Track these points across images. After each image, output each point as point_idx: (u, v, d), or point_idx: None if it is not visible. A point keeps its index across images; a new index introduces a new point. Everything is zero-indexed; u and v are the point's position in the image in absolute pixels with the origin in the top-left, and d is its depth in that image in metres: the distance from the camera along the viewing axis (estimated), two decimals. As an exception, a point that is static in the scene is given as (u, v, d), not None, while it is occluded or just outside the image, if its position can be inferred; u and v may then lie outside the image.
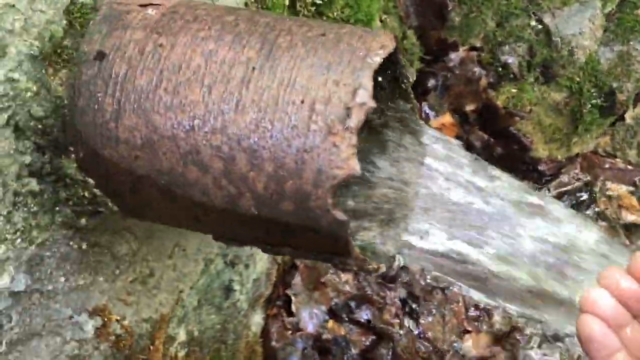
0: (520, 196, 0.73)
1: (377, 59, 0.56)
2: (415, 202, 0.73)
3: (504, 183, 0.74)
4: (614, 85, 1.39)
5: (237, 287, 1.07)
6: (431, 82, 1.41)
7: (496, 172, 0.75)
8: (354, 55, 0.56)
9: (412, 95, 0.73)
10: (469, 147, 1.51)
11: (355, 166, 0.54)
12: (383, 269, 0.65)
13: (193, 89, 0.56)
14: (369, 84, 0.54)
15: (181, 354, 0.96)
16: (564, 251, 0.70)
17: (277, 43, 0.57)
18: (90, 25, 0.59)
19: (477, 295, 0.77)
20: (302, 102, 0.55)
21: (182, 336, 0.96)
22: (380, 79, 0.71)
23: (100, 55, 0.58)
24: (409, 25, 1.37)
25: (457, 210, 0.73)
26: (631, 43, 1.37)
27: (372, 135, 0.76)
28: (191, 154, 0.57)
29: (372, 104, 0.54)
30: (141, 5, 0.60)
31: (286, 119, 0.55)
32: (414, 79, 1.37)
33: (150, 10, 0.60)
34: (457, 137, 1.48)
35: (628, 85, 1.39)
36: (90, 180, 0.63)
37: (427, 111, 1.43)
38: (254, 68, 0.56)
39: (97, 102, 0.58)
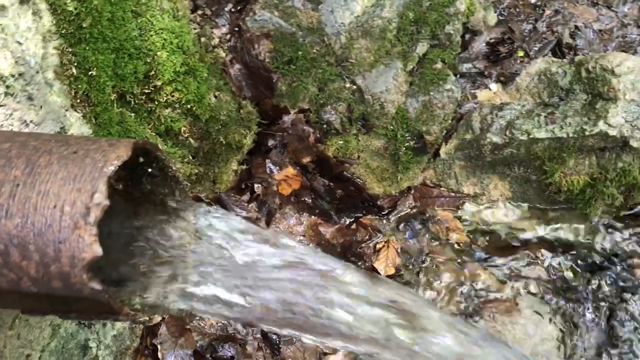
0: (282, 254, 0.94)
1: (112, 168, 0.76)
2: (191, 261, 0.93)
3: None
4: (423, 129, 1.64)
5: (93, 345, 1.23)
6: (271, 142, 1.64)
7: (260, 231, 0.96)
8: (94, 167, 0.76)
9: (180, 179, 0.94)
10: (314, 192, 1.73)
11: (97, 249, 0.73)
12: (157, 319, 0.84)
13: (-27, 204, 0.75)
14: (103, 188, 0.74)
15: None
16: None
17: (38, 162, 0.76)
18: None
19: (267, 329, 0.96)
20: (55, 206, 0.74)
21: (37, 393, 1.11)
22: (150, 169, 0.91)
23: None
24: (243, 97, 1.59)
25: (227, 266, 0.93)
26: (432, 93, 1.63)
27: (159, 208, 0.96)
28: (-23, 253, 0.75)
29: (106, 202, 0.74)
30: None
31: (44, 220, 0.74)
32: (252, 142, 1.58)
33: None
34: (302, 185, 1.70)
35: (434, 128, 1.65)
36: None
37: (271, 167, 1.65)
38: (18, 184, 0.75)
39: None
